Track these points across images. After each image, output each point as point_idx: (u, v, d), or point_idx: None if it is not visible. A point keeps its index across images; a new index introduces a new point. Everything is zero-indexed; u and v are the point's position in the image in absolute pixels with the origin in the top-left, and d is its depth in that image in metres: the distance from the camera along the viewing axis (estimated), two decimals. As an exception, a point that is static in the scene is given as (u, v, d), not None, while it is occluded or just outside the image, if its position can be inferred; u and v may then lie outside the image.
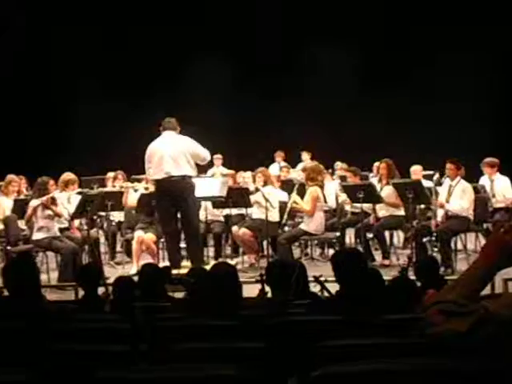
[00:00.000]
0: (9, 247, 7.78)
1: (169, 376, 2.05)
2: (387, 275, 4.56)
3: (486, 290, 1.95)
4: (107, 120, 13.00)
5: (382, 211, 8.06)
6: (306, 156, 12.19)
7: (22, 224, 8.05)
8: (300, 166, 11.46)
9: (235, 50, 13.23)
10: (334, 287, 4.04)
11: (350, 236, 8.73)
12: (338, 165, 10.95)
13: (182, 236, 7.49)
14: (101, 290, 4.93)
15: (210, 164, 10.25)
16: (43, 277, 6.36)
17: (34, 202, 7.48)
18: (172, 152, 6.96)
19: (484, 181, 8.76)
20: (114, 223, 9.02)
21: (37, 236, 7.47)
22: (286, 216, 8.05)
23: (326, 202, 8.42)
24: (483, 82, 12.37)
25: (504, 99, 12.35)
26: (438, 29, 12.46)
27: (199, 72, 13.36)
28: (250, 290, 4.68)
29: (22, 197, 8.57)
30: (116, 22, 12.94)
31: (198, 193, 7.27)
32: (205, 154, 7.21)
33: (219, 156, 11.81)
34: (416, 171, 9.29)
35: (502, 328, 1.70)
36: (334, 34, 12.97)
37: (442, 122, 12.48)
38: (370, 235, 8.21)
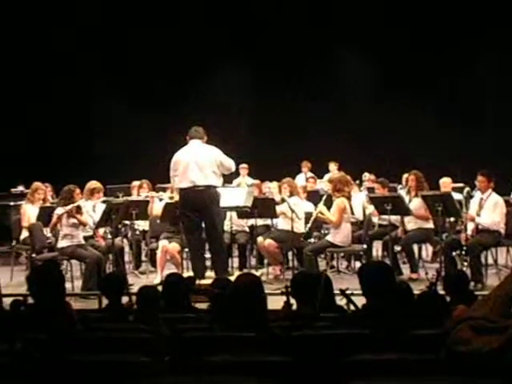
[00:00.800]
0: (34, 255, 7.87)
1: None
2: (415, 289, 4.51)
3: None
4: (133, 129, 13.14)
5: (411, 224, 8.00)
6: (333, 166, 12.14)
7: (47, 232, 8.14)
8: (327, 176, 11.43)
9: (261, 61, 13.26)
10: (360, 301, 4.02)
11: (377, 249, 8.67)
12: (366, 176, 10.90)
13: (207, 246, 7.51)
14: (125, 300, 4.96)
15: (236, 174, 10.26)
16: (67, 285, 6.41)
17: (59, 210, 7.55)
18: (198, 161, 7.00)
19: (516, 194, 8.65)
20: (138, 232, 9.07)
21: (61, 244, 7.55)
22: (309, 224, 8.02)
23: (353, 213, 8.38)
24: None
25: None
26: (466, 39, 12.43)
27: (225, 82, 13.43)
28: (275, 303, 4.66)
29: (47, 204, 8.66)
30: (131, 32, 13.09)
31: (223, 202, 7.29)
32: (231, 164, 7.23)
33: (245, 166, 11.82)
34: (445, 183, 9.22)
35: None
36: (359, 43, 12.98)
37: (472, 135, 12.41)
38: (397, 248, 8.14)
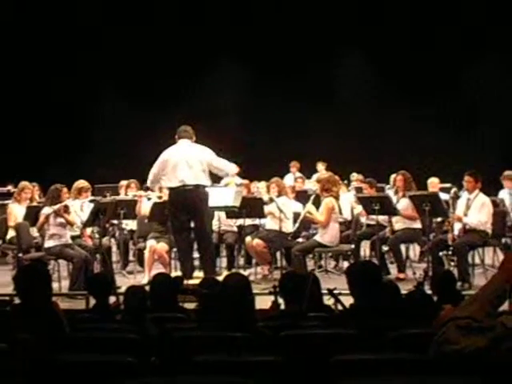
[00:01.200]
0: (20, 254, 7.81)
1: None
2: (403, 289, 4.52)
3: (504, 306, 1.93)
4: (122, 129, 13.10)
5: (398, 224, 8.03)
6: (321, 166, 12.16)
7: (33, 231, 8.09)
8: (315, 176, 11.44)
9: (253, 62, 13.23)
10: (348, 300, 4.03)
11: (364, 249, 8.69)
12: (354, 176, 10.92)
13: (195, 246, 7.50)
14: (112, 300, 4.95)
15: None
16: (54, 285, 6.38)
17: (46, 210, 7.50)
18: (188, 160, 6.98)
19: (503, 194, 8.70)
20: (126, 232, 9.04)
21: (48, 243, 7.50)
22: (297, 224, 8.04)
23: (341, 213, 8.40)
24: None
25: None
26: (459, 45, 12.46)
27: (214, 83, 13.40)
28: (263, 302, 4.67)
29: (34, 204, 8.61)
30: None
31: (212, 202, 7.27)
32: (226, 165, 7.22)
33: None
34: (433, 184, 9.26)
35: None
36: (352, 45, 12.99)
37: (461, 136, 12.46)
38: (385, 248, 8.18)
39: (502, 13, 12.13)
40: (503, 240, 8.10)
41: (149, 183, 7.47)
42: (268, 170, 10.38)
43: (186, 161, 6.98)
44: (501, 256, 7.84)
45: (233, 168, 7.48)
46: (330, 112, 13.11)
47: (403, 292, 4.37)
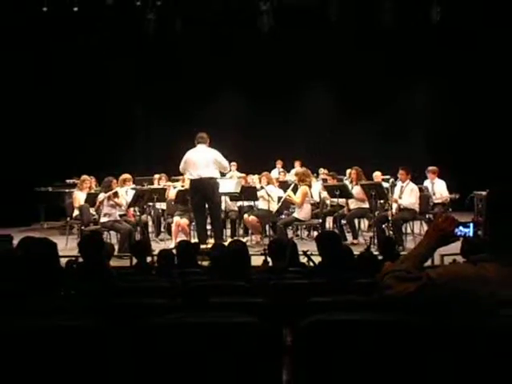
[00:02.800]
0: (83, 227, 7.83)
1: (200, 321, 2.06)
2: (356, 251, 4.54)
3: (427, 263, 1.95)
4: (156, 136, 12.99)
5: (353, 204, 8.05)
6: (297, 164, 12.15)
7: (92, 211, 8.09)
8: (293, 171, 11.41)
9: (248, 91, 13.04)
10: (317, 259, 4.04)
11: (329, 222, 8.71)
12: (321, 170, 10.93)
13: (208, 221, 7.53)
14: (149, 259, 4.95)
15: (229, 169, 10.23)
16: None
17: (101, 196, 7.53)
18: (203, 160, 7.10)
19: (427, 183, 8.74)
20: (160, 210, 9.06)
21: (103, 220, 7.52)
22: (279, 204, 8.09)
23: (312, 197, 8.42)
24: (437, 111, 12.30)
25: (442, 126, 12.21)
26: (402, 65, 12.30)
27: (224, 106, 13.22)
28: (256, 261, 4.68)
29: (92, 191, 8.61)
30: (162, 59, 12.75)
31: (220, 189, 7.33)
32: (226, 164, 7.36)
33: (234, 163, 11.76)
34: (377, 176, 9.29)
35: (440, 290, 1.71)
36: (322, 79, 12.83)
37: (397, 141, 12.42)
38: (343, 222, 8.20)
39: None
40: (427, 216, 8.13)
41: (181, 170, 7.50)
42: (260, 166, 10.35)
43: (202, 160, 7.08)
44: (425, 227, 7.87)
45: (228, 165, 7.51)
46: (303, 126, 13.02)
47: (356, 253, 4.39)
